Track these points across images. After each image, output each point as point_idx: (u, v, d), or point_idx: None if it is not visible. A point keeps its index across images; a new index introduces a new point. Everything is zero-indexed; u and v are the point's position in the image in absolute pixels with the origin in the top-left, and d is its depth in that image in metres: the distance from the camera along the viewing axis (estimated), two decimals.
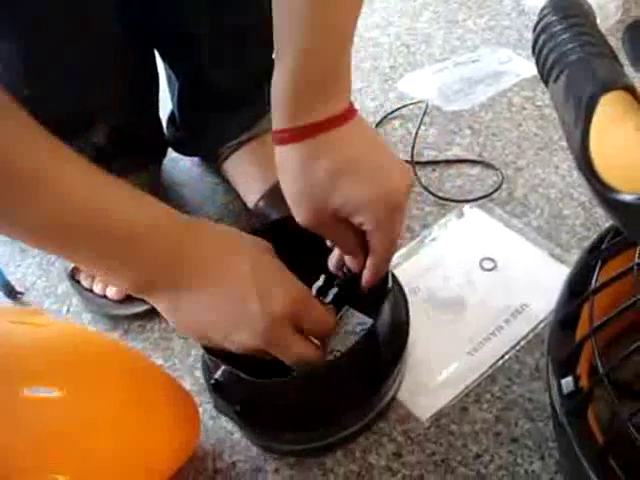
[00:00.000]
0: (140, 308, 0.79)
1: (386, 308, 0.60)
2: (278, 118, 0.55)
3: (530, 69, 1.08)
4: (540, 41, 0.48)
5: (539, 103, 1.03)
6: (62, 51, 0.73)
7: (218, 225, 0.58)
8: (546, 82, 0.48)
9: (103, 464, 0.54)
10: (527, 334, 0.72)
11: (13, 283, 0.88)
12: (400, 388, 0.68)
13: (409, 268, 0.80)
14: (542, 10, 0.49)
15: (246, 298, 0.53)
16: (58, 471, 0.52)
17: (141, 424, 0.58)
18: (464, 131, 1.00)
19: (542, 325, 0.72)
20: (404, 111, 1.06)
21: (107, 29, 0.76)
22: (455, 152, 0.97)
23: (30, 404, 0.52)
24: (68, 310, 0.85)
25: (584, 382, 0.52)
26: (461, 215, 0.86)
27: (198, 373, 0.73)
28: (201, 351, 0.64)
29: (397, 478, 0.63)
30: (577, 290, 0.58)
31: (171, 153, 0.99)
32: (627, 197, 0.39)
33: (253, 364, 0.55)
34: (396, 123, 1.04)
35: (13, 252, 0.94)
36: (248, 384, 0.55)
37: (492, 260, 0.80)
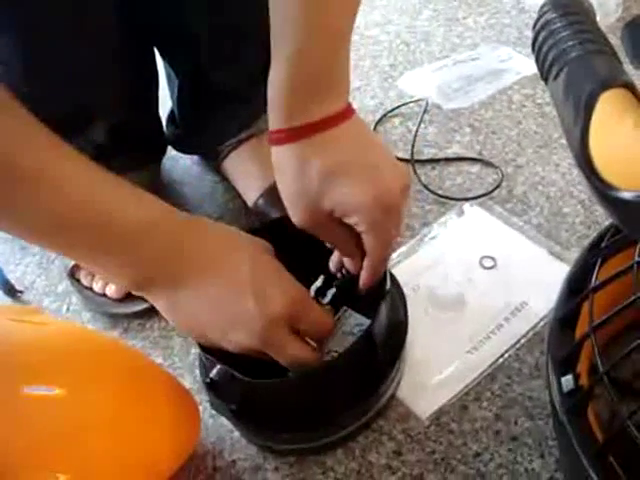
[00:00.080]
0: (140, 307, 0.79)
1: (383, 309, 0.60)
2: (274, 118, 0.55)
3: (530, 67, 1.08)
4: (540, 38, 0.48)
5: (539, 101, 1.03)
6: (62, 51, 0.73)
7: (217, 224, 0.58)
8: (546, 80, 0.48)
9: (103, 463, 0.54)
10: (527, 332, 0.72)
11: (13, 282, 0.88)
12: (400, 387, 0.68)
13: (409, 266, 0.80)
14: (542, 7, 0.49)
15: (244, 298, 0.53)
16: (58, 469, 0.52)
17: (141, 422, 0.58)
18: (464, 129, 1.00)
19: (542, 323, 0.72)
20: (404, 109, 1.06)
21: (107, 29, 0.76)
22: (455, 150, 0.97)
23: (30, 402, 0.52)
24: (68, 309, 0.85)
25: (584, 380, 0.52)
26: (461, 213, 0.86)
27: (198, 371, 0.73)
28: None
29: (397, 476, 0.63)
30: (577, 288, 0.58)
31: (171, 151, 0.99)
32: (626, 195, 0.39)
33: (252, 364, 0.55)
34: (396, 121, 1.04)
35: (13, 250, 0.94)
36: (243, 384, 0.55)
37: (492, 258, 0.79)
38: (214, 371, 0.57)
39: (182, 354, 0.77)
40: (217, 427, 0.69)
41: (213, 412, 0.67)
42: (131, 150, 0.87)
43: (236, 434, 0.68)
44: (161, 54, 0.89)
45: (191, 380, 0.73)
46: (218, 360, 0.56)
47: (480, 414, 0.66)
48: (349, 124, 0.55)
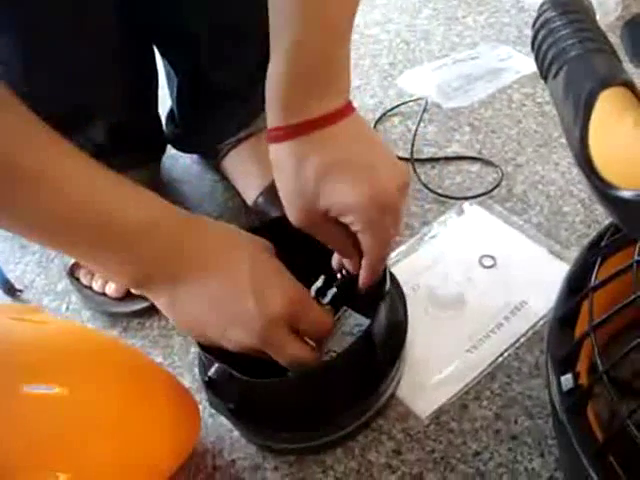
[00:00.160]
0: (139, 305, 0.79)
1: (383, 309, 0.60)
2: (272, 116, 0.54)
3: (530, 66, 1.08)
4: (539, 37, 0.48)
5: (539, 100, 1.03)
6: (62, 51, 0.73)
7: (217, 222, 0.58)
8: (545, 78, 0.48)
9: (103, 461, 0.54)
10: (526, 331, 0.72)
11: (12, 280, 0.88)
12: (399, 386, 0.67)
13: (408, 265, 0.80)
14: (541, 6, 0.49)
15: (244, 297, 0.53)
16: (58, 468, 0.52)
17: (141, 421, 0.58)
18: (464, 128, 1.00)
19: (541, 322, 0.72)
20: (403, 108, 1.06)
21: (107, 29, 0.76)
22: (455, 149, 0.97)
23: (30, 401, 0.52)
24: (67, 307, 0.85)
25: (583, 379, 0.52)
26: (461, 212, 0.86)
27: (197, 370, 0.73)
28: None
29: (397, 475, 0.63)
30: (577, 287, 0.58)
31: (170, 150, 0.99)
32: (626, 193, 0.39)
33: (252, 363, 0.55)
34: (395, 120, 1.04)
35: (12, 249, 0.94)
36: (241, 382, 0.55)
37: (492, 257, 0.79)
38: (212, 369, 0.57)
39: (182, 353, 0.77)
40: (217, 426, 0.69)
41: (213, 411, 0.67)
42: (131, 149, 0.87)
43: (236, 433, 0.68)
44: (161, 53, 0.89)
45: (191, 379, 0.73)
46: (217, 359, 0.56)
47: (480, 413, 0.66)
48: (348, 122, 0.55)
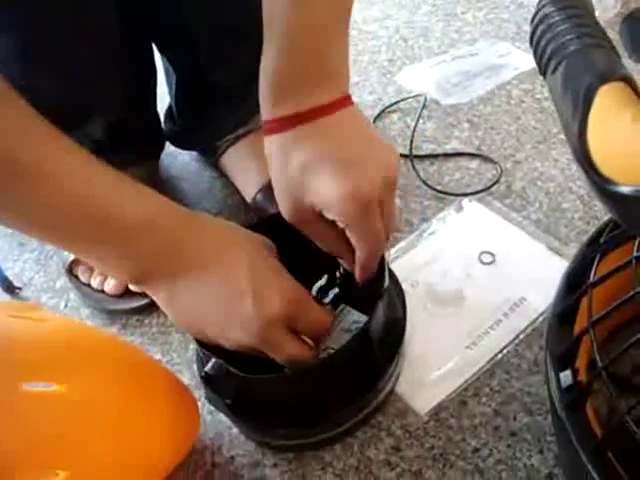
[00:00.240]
0: (138, 303, 0.79)
1: (381, 306, 0.59)
2: (264, 108, 0.54)
3: (529, 62, 1.08)
4: (538, 32, 0.48)
5: (538, 96, 1.03)
6: (62, 51, 0.73)
7: (216, 219, 0.58)
8: (544, 74, 0.48)
9: (102, 458, 0.54)
10: (526, 328, 0.71)
11: (11, 278, 0.87)
12: (398, 382, 0.67)
13: (407, 262, 0.80)
14: (540, 1, 0.49)
15: (242, 297, 0.53)
16: (57, 466, 0.51)
17: (140, 418, 0.58)
18: (463, 124, 1.00)
19: (541, 319, 0.72)
20: (402, 105, 1.06)
21: (107, 28, 0.76)
22: (454, 145, 0.97)
23: (29, 398, 0.52)
24: (66, 305, 0.85)
25: (582, 376, 0.52)
26: (460, 209, 0.86)
27: (196, 367, 0.73)
28: None
29: (396, 472, 0.63)
30: (575, 283, 0.58)
31: (169, 147, 0.99)
32: (625, 189, 0.39)
33: (250, 359, 0.55)
34: (394, 117, 1.04)
35: (11, 247, 0.94)
36: (238, 378, 0.55)
37: (491, 254, 0.79)
38: (209, 365, 0.57)
39: (180, 350, 0.77)
40: (216, 423, 0.69)
41: (212, 408, 0.67)
42: (129, 146, 0.87)
43: (235, 430, 0.68)
44: (160, 50, 0.89)
45: (189, 376, 0.73)
46: (214, 354, 0.56)
47: (479, 410, 0.66)
48: (341, 115, 0.54)
